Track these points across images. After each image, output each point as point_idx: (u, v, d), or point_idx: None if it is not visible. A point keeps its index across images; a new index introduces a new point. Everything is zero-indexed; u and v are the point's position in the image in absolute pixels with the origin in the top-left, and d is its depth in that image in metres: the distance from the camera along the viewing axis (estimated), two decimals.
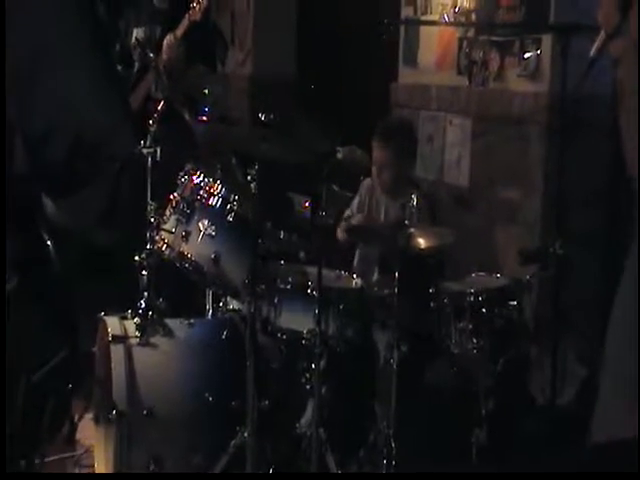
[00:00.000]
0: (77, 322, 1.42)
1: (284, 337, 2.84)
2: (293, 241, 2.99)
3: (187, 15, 3.79)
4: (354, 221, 3.47)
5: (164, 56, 3.80)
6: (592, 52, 1.89)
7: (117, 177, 1.30)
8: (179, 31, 3.81)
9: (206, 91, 3.64)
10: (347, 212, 3.64)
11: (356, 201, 3.63)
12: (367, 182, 3.64)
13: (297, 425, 2.82)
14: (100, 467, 2.90)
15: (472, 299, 2.90)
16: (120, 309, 2.93)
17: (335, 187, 3.77)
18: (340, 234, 3.48)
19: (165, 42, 3.83)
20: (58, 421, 1.41)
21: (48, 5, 1.29)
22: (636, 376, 1.79)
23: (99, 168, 1.28)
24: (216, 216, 2.86)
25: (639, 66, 1.74)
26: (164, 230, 2.91)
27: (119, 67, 4.04)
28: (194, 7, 3.78)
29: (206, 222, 2.85)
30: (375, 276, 3.37)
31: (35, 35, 1.25)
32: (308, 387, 2.76)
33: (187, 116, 3.37)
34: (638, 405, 1.76)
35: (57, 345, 1.36)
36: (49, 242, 1.32)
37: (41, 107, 1.24)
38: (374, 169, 3.51)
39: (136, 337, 2.80)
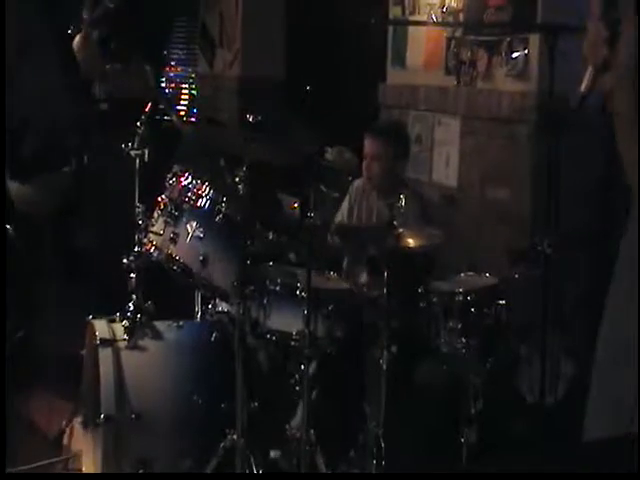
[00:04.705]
0: (35, 303, 1.42)
1: (273, 339, 2.83)
2: (282, 242, 2.98)
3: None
4: (345, 224, 3.46)
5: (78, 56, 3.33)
6: (582, 88, 1.85)
7: (83, 167, 1.32)
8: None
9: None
10: (337, 215, 3.62)
11: (346, 203, 3.62)
12: (357, 184, 3.63)
13: (287, 427, 2.81)
14: (89, 472, 2.88)
15: (461, 298, 2.90)
16: (108, 312, 2.92)
17: (324, 188, 3.76)
18: (331, 238, 3.47)
19: (75, 43, 3.39)
20: (18, 406, 1.41)
21: (28, 8, 1.30)
22: (629, 375, 1.79)
23: (66, 157, 1.29)
24: (204, 218, 2.85)
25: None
26: (152, 232, 2.91)
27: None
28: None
29: (194, 224, 2.84)
30: (364, 277, 3.37)
31: (16, 35, 1.26)
32: (298, 389, 2.75)
33: (174, 118, 3.36)
34: (638, 405, 1.75)
35: (14, 326, 1.36)
36: (8, 226, 1.33)
37: (18, 102, 1.25)
38: (364, 163, 3.51)
39: (124, 340, 2.80)
